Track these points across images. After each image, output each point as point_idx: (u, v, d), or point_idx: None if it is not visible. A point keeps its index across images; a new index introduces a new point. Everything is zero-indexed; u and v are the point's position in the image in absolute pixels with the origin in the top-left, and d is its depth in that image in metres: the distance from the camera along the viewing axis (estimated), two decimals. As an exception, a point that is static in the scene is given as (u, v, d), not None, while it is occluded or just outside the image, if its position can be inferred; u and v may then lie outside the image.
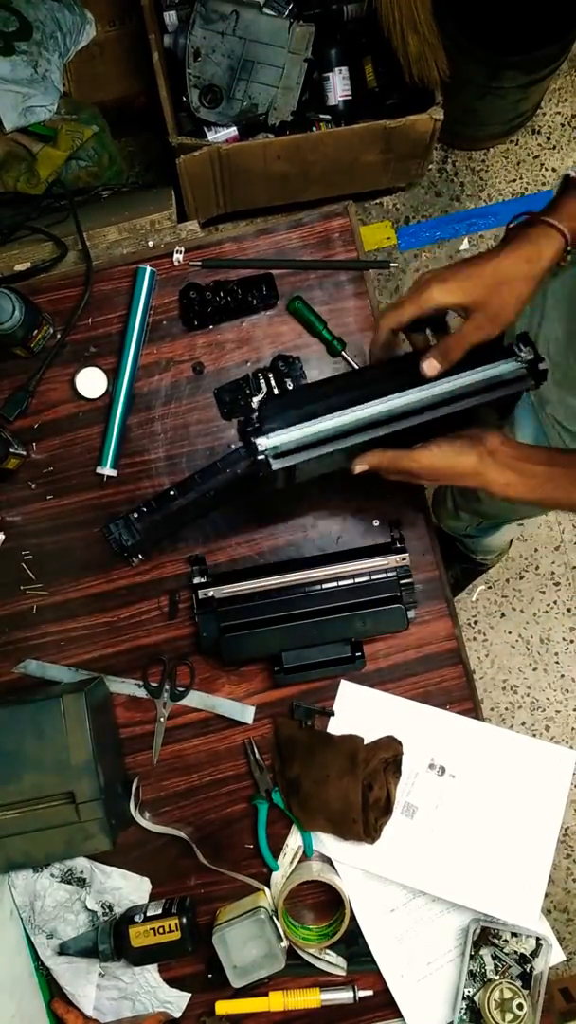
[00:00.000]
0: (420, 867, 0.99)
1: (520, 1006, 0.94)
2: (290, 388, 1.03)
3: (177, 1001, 1.02)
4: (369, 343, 0.87)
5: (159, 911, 0.98)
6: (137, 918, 0.97)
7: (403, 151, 1.75)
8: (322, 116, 1.76)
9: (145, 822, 1.01)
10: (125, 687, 1.05)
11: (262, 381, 1.06)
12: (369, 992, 1.01)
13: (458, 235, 1.92)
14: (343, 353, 1.06)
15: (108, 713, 1.03)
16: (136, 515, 1.04)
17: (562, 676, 1.86)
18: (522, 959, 0.98)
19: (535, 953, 0.98)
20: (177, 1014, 1.02)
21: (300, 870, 1.02)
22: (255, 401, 1.03)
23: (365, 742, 1.00)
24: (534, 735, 1.85)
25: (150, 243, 1.28)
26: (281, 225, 1.09)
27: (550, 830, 0.99)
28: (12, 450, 1.01)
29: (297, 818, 1.00)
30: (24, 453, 1.05)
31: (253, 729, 1.04)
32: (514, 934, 0.98)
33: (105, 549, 1.04)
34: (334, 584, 0.99)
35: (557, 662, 1.86)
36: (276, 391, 1.05)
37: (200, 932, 1.00)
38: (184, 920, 0.96)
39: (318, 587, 0.99)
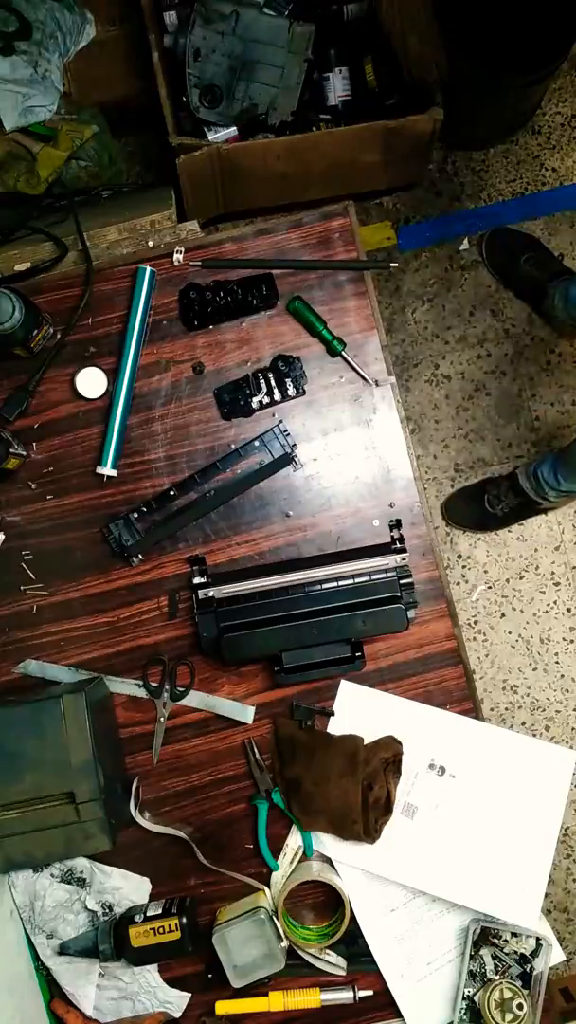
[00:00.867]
0: (420, 867, 0.99)
1: (520, 1006, 0.94)
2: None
3: (177, 1001, 1.02)
4: None
5: (159, 911, 0.98)
6: (137, 918, 0.97)
7: (403, 151, 1.75)
8: (322, 116, 1.76)
9: (145, 822, 1.01)
10: (125, 687, 1.04)
11: (262, 381, 1.06)
12: (369, 992, 1.01)
13: (458, 235, 1.92)
14: (343, 353, 1.06)
15: (108, 713, 1.03)
16: (136, 515, 1.04)
17: (562, 676, 1.86)
18: (522, 959, 0.98)
19: (535, 953, 0.98)
20: (177, 1014, 1.02)
21: (300, 870, 1.02)
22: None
23: (365, 742, 1.00)
24: (534, 735, 1.85)
25: (150, 243, 1.28)
26: (281, 225, 1.09)
27: (550, 830, 0.99)
28: (12, 450, 1.01)
29: (297, 818, 1.00)
30: (24, 453, 1.05)
31: (253, 729, 1.04)
32: (514, 934, 0.98)
33: (105, 549, 1.04)
34: (334, 584, 0.99)
35: (557, 662, 1.86)
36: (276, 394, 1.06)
37: (200, 932, 1.00)
38: (184, 920, 0.96)
39: (318, 587, 0.99)
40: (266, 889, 1.02)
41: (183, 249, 1.08)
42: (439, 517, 1.85)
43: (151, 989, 1.02)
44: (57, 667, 1.05)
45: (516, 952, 0.98)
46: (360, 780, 0.97)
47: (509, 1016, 0.94)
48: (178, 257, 1.08)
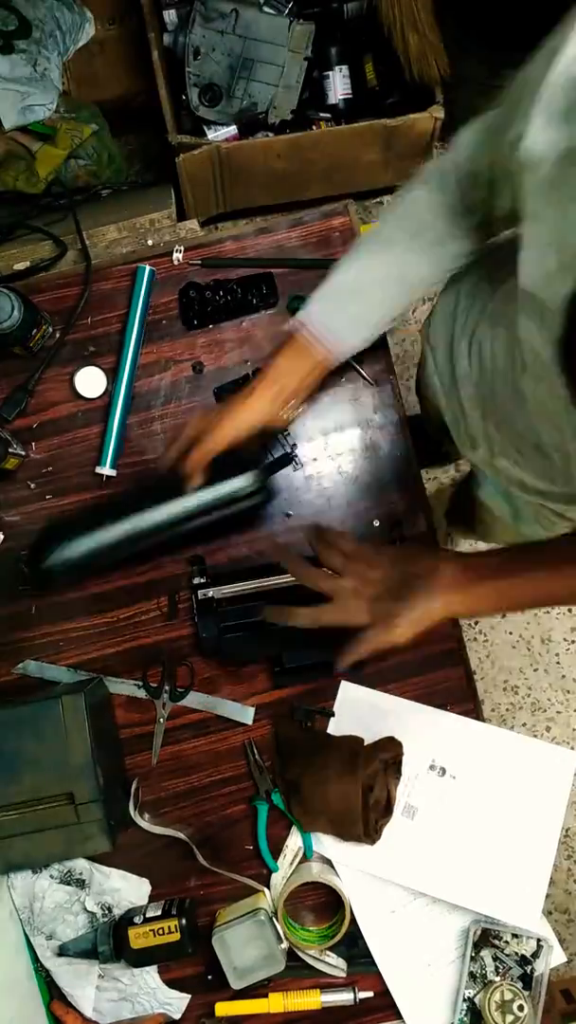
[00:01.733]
0: (420, 868, 0.99)
1: (521, 1007, 0.94)
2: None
3: (177, 1002, 1.02)
4: (171, 448, 0.91)
5: (159, 912, 0.98)
6: (137, 919, 0.97)
7: (403, 150, 1.74)
8: (322, 115, 1.76)
9: (145, 823, 1.01)
10: (125, 688, 1.04)
11: (262, 381, 1.06)
12: (369, 993, 1.01)
13: (458, 234, 1.92)
14: (343, 352, 1.05)
15: (107, 714, 1.03)
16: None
17: (563, 676, 1.86)
18: (523, 960, 0.98)
19: (536, 954, 0.98)
20: (177, 1016, 1.02)
21: (300, 871, 1.02)
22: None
23: (365, 743, 1.00)
24: (535, 736, 1.85)
25: (149, 242, 1.28)
26: (281, 224, 1.08)
27: (551, 831, 0.99)
28: (11, 450, 1.01)
29: (297, 819, 1.00)
30: (23, 453, 1.05)
31: (253, 730, 1.04)
32: (515, 935, 0.98)
33: (104, 549, 1.04)
34: (334, 584, 0.99)
35: (558, 662, 1.86)
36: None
37: (200, 933, 1.00)
38: (184, 921, 0.96)
39: (318, 587, 0.99)
40: (266, 890, 1.02)
41: (183, 248, 1.07)
42: (439, 517, 1.84)
43: (151, 990, 1.02)
44: (56, 668, 1.05)
45: (517, 953, 0.98)
46: (360, 781, 0.96)
47: (510, 1018, 0.94)
48: (178, 256, 1.07)
